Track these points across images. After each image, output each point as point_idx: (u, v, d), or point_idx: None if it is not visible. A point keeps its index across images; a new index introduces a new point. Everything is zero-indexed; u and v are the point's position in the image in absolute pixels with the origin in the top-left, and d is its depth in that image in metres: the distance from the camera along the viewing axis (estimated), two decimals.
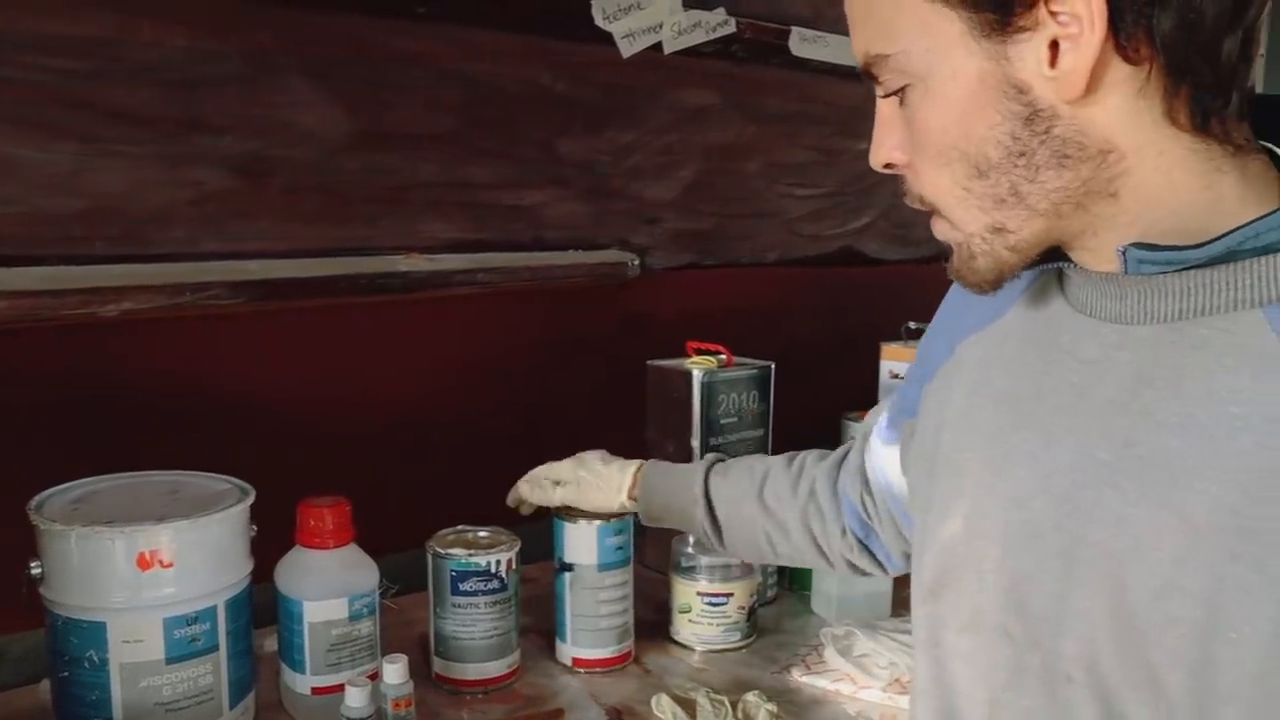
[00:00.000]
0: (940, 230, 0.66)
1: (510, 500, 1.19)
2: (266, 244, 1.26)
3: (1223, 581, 0.54)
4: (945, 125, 0.61)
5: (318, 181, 1.30)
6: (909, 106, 0.62)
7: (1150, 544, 0.57)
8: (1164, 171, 0.59)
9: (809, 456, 1.08)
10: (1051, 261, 0.65)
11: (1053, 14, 0.56)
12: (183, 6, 1.16)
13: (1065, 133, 0.58)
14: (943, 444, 0.75)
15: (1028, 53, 0.57)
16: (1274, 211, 0.56)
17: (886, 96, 0.64)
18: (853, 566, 1.02)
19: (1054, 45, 0.56)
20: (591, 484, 1.13)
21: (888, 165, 0.66)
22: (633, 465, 1.13)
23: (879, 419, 0.95)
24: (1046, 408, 0.66)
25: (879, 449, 0.94)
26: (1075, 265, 0.65)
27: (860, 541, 1.00)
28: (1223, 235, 0.56)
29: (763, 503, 1.04)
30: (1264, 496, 0.53)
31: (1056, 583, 0.62)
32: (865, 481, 0.97)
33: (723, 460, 1.11)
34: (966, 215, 0.63)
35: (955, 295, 0.84)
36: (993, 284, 0.65)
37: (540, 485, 1.15)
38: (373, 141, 1.34)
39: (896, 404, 0.91)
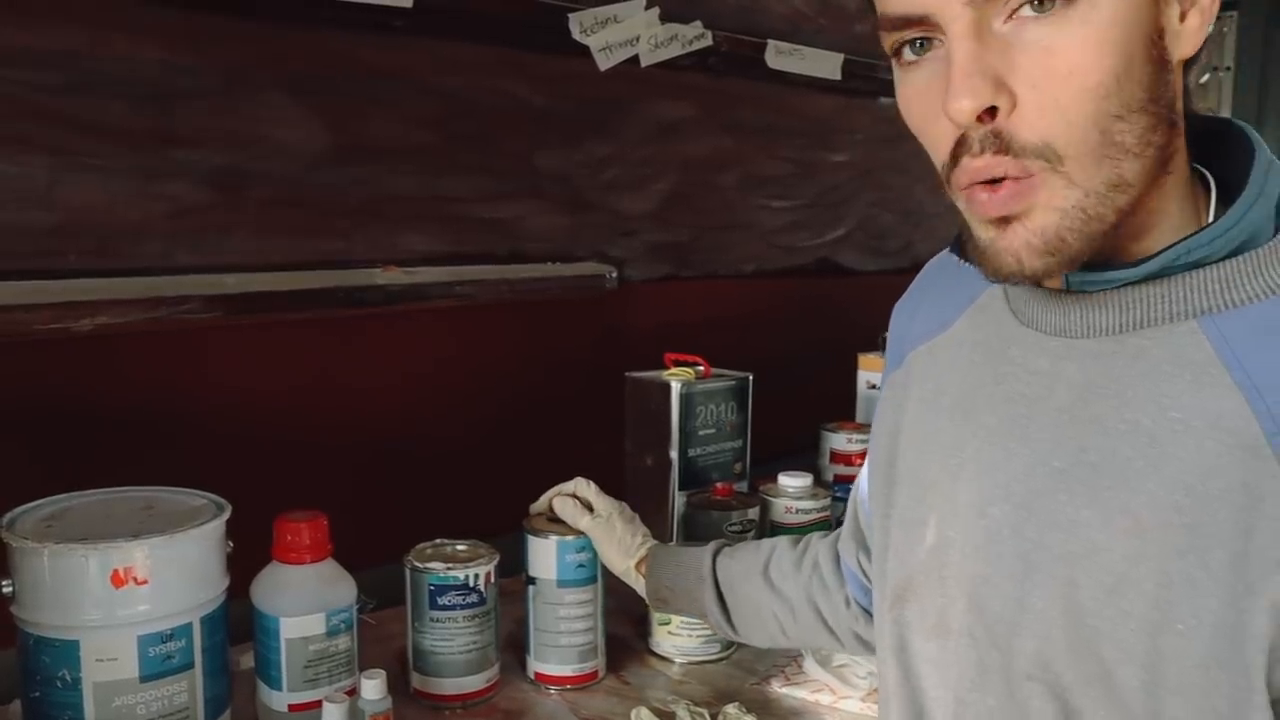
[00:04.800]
0: (1036, 197, 0.58)
1: (535, 507, 1.18)
2: (243, 257, 1.26)
3: (1170, 577, 0.57)
4: (1102, 52, 0.55)
5: (294, 195, 1.30)
6: (1060, 28, 0.55)
7: (1103, 545, 0.60)
8: (1179, 170, 0.62)
9: (814, 535, 1.06)
10: None
11: None
12: (157, 20, 1.16)
13: (1174, 91, 0.59)
14: (900, 453, 0.77)
15: (1171, 1, 0.58)
16: (1204, 229, 0.59)
17: (1044, 11, 0.55)
18: (860, 641, 1.00)
19: (1186, 1, 0.58)
20: (614, 535, 1.12)
21: (985, 114, 0.57)
22: (645, 542, 1.13)
23: (862, 473, 0.96)
24: (1000, 419, 0.68)
25: (867, 504, 0.94)
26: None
27: (865, 611, 0.98)
28: (1159, 253, 0.59)
29: (768, 579, 1.04)
30: (1205, 495, 0.56)
31: (1014, 586, 0.64)
32: (862, 543, 0.95)
33: (729, 544, 1.10)
34: (1097, 164, 0.57)
35: (904, 305, 0.86)
36: (1066, 265, 0.59)
37: (572, 505, 1.14)
38: (350, 155, 1.34)
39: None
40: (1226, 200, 0.62)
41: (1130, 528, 0.59)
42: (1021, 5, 0.55)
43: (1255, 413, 0.56)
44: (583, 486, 1.15)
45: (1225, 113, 5.79)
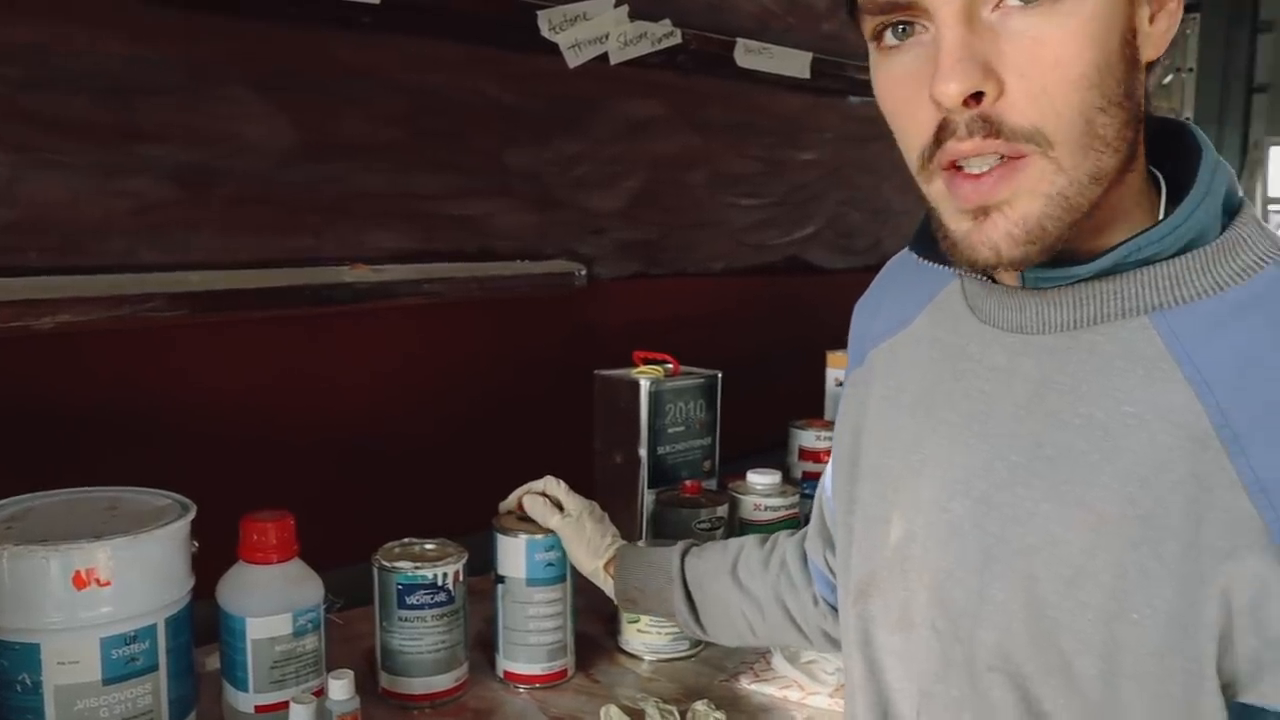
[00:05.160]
0: (1017, 183, 0.58)
1: (504, 505, 1.18)
2: (209, 255, 1.24)
3: (1125, 568, 0.58)
4: (1087, 45, 0.57)
5: (261, 192, 1.28)
6: (1048, 19, 0.56)
7: (1061, 537, 0.61)
8: (1139, 169, 0.63)
9: (781, 534, 1.07)
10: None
11: None
12: (120, 15, 1.15)
13: (1142, 90, 0.61)
14: (862, 447, 0.78)
15: (1142, 3, 0.59)
16: (1154, 226, 0.61)
17: (1029, 2, 0.56)
18: (828, 638, 1.01)
19: (1156, 5, 0.60)
20: (584, 534, 1.12)
21: (971, 99, 0.57)
22: (614, 543, 1.13)
23: (827, 471, 0.96)
24: (960, 414, 0.69)
25: (832, 502, 0.95)
26: (980, 276, 0.68)
27: (832, 608, 0.98)
28: (1111, 249, 0.61)
29: (736, 578, 1.04)
30: (1158, 486, 0.58)
31: (975, 579, 0.65)
32: (828, 540, 0.96)
33: (698, 544, 1.10)
34: (1081, 154, 0.58)
35: (865, 304, 0.87)
36: (1043, 254, 0.60)
37: (542, 504, 1.14)
38: (317, 152, 1.33)
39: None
40: (1176, 200, 0.63)
41: (1087, 520, 0.60)
42: None
43: (1205, 406, 0.57)
44: (552, 485, 1.15)
45: (1188, 113, 5.87)
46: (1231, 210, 0.63)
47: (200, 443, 1.25)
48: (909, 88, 0.60)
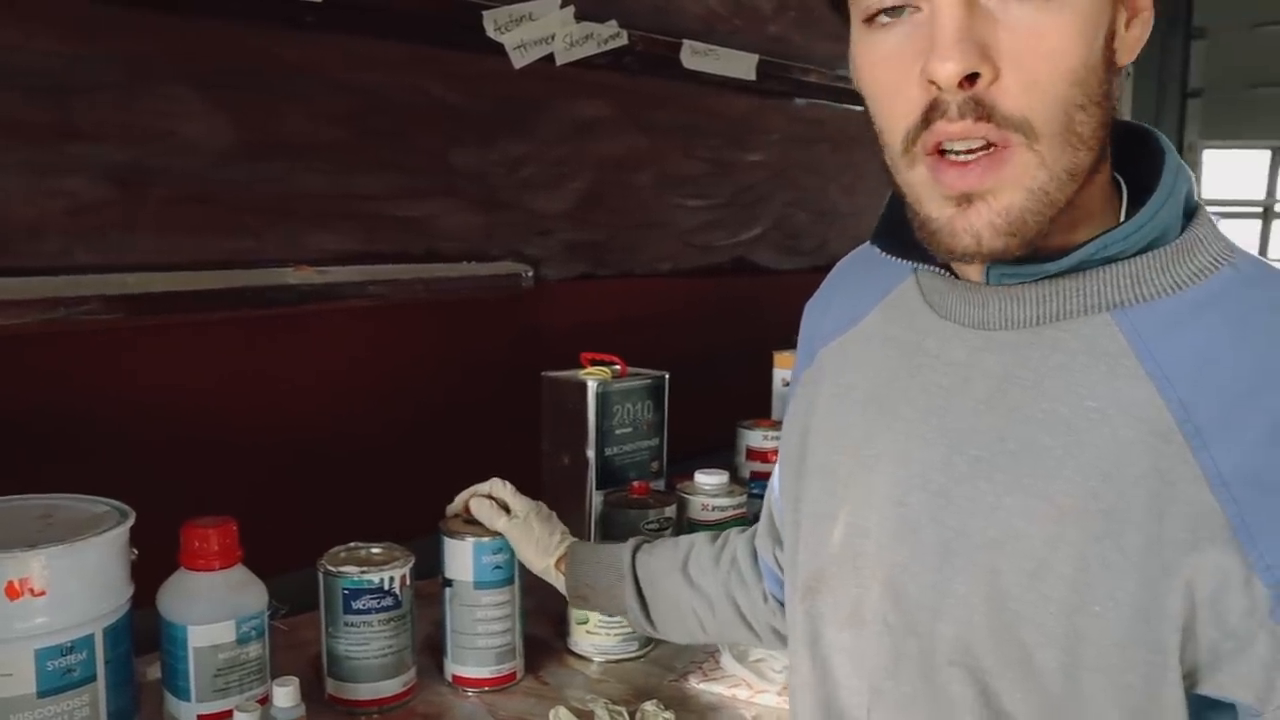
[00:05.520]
0: (1003, 174, 0.59)
1: (451, 509, 1.17)
2: (146, 256, 1.22)
3: (1087, 561, 0.59)
4: (1079, 41, 0.58)
5: (201, 192, 1.26)
6: (1045, 11, 0.57)
7: (1023, 530, 0.62)
8: (1105, 170, 0.65)
9: (732, 532, 1.07)
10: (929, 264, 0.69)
11: None
12: (55, 9, 1.12)
13: (1114, 93, 0.62)
14: (810, 445, 0.78)
15: (1120, 6, 0.61)
16: (1120, 225, 0.62)
17: None
18: (778, 635, 1.01)
19: (1132, 11, 0.62)
20: (532, 535, 1.11)
21: (965, 80, 0.57)
22: (564, 540, 1.12)
23: (776, 470, 0.97)
24: (916, 409, 0.69)
25: (780, 501, 0.95)
26: (942, 272, 0.69)
27: (782, 605, 0.97)
28: (1076, 247, 0.62)
29: (687, 575, 1.04)
30: (1120, 480, 0.59)
31: (934, 573, 0.65)
32: (777, 539, 0.96)
33: (649, 541, 1.10)
34: (1062, 149, 0.59)
35: (815, 303, 0.88)
36: (1022, 247, 0.61)
37: (488, 506, 1.13)
38: (259, 151, 1.31)
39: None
40: (1136, 202, 0.64)
41: (1050, 514, 0.61)
42: None
43: (1166, 401, 0.59)
44: (498, 487, 1.15)
45: (1125, 115, 5.98)
46: (1189, 212, 0.65)
47: (139, 448, 1.22)
48: (897, 66, 0.60)
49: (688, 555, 1.05)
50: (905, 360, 0.71)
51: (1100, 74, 0.60)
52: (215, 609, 0.99)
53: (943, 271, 0.69)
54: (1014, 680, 0.62)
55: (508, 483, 1.15)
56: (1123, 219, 0.65)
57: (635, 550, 1.07)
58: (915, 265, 0.72)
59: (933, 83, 0.58)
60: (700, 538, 1.08)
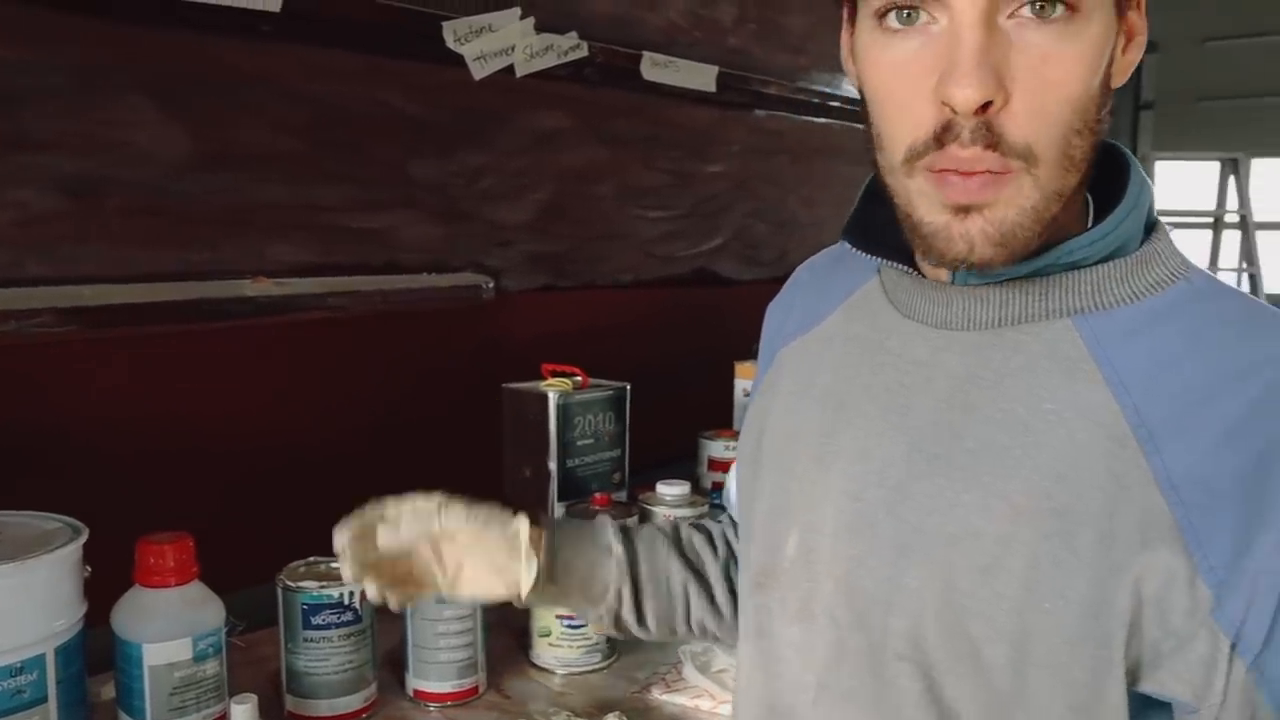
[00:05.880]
0: (1002, 192, 0.60)
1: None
2: (101, 268, 1.20)
3: (1039, 558, 0.60)
4: (1087, 69, 0.59)
5: (156, 203, 1.25)
6: (1059, 38, 0.58)
7: (978, 527, 0.63)
8: (1082, 187, 0.65)
9: (708, 520, 1.02)
10: (898, 262, 0.70)
11: (1138, 7, 0.63)
12: (2, 17, 1.10)
13: (1106, 116, 0.62)
14: (767, 442, 0.79)
15: (1120, 33, 0.62)
16: (1085, 232, 0.64)
17: (1045, 18, 0.57)
18: None
19: (1129, 35, 0.63)
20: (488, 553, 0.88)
21: (984, 105, 0.57)
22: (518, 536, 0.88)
23: (729, 477, 0.97)
24: (877, 406, 0.70)
25: (734, 505, 0.94)
26: (909, 270, 0.70)
27: None
28: (1041, 252, 0.63)
29: (683, 554, 0.94)
30: (1074, 481, 0.60)
31: (889, 567, 0.66)
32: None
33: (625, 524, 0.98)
34: (1056, 173, 0.60)
35: (776, 306, 0.88)
36: (1008, 259, 0.61)
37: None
38: (216, 162, 1.29)
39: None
40: (1099, 214, 0.66)
41: (1005, 512, 0.62)
42: (1023, 6, 0.57)
43: (1121, 406, 0.60)
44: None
45: None
46: (1149, 227, 0.66)
47: (93, 463, 1.21)
48: (910, 78, 0.60)
49: (677, 536, 0.97)
50: (867, 358, 0.72)
51: (1099, 99, 0.61)
52: (171, 626, 0.98)
53: (910, 270, 0.70)
54: (961, 675, 0.63)
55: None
56: (1089, 228, 0.66)
57: (618, 525, 0.95)
58: (880, 265, 0.73)
59: (947, 105, 0.58)
60: (682, 524, 1.00)
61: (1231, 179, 5.80)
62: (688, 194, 2.01)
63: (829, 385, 0.74)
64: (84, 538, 0.94)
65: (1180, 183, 6.39)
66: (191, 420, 1.31)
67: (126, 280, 1.22)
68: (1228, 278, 6.12)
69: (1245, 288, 5.82)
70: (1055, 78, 0.58)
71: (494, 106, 1.61)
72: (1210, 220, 6.02)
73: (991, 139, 0.58)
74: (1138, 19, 0.63)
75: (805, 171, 2.26)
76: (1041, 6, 0.57)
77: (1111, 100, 0.63)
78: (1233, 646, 0.56)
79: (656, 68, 1.82)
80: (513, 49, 1.56)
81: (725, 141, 2.09)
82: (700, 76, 1.93)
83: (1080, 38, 0.58)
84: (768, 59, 2.12)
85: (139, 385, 1.27)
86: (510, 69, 1.56)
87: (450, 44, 1.48)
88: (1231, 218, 5.89)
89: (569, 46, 1.64)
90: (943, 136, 0.59)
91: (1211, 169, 5.97)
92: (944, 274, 0.68)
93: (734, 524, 1.00)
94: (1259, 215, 5.90)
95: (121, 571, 1.00)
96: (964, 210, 0.60)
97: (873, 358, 0.72)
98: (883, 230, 0.70)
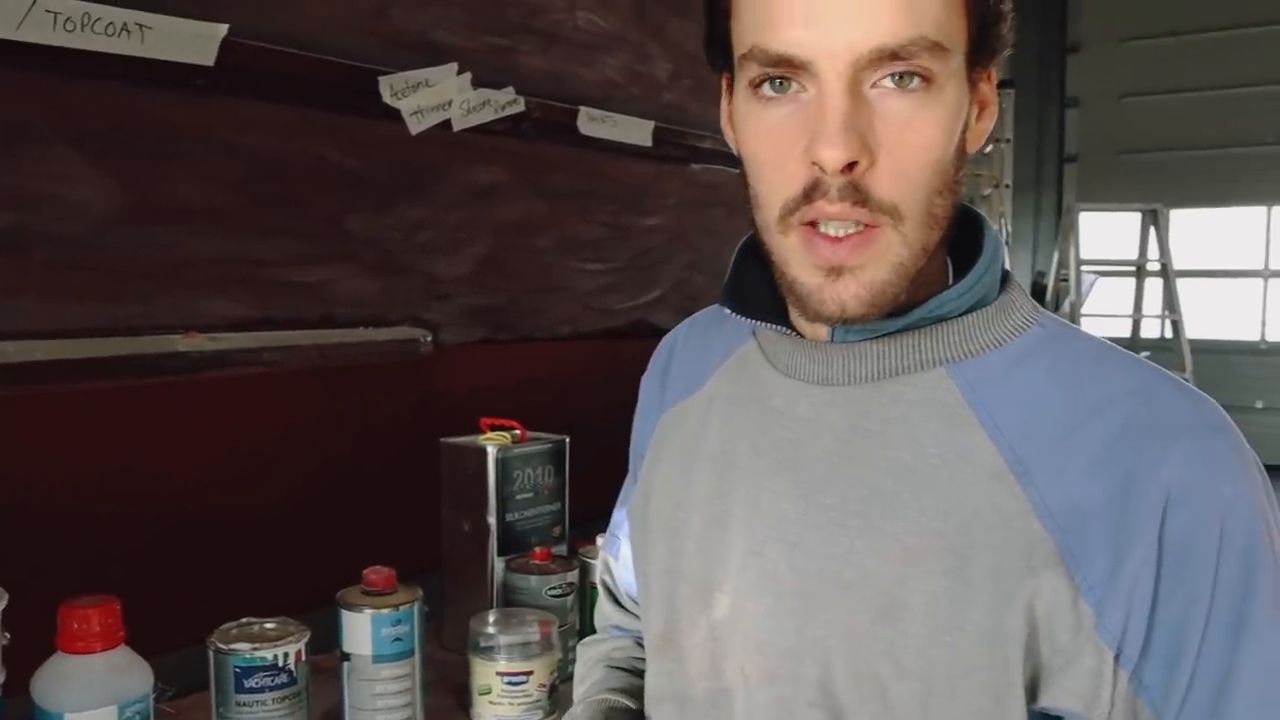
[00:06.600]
0: (870, 251, 0.63)
1: None
2: (28, 323, 1.18)
3: (936, 594, 0.64)
4: (945, 135, 0.63)
5: (86, 257, 1.23)
6: (919, 106, 0.62)
7: (875, 571, 0.65)
8: (943, 244, 0.69)
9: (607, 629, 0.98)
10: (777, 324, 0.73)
11: (989, 80, 0.68)
12: None
13: (962, 178, 0.67)
14: (654, 507, 0.80)
15: (973, 101, 0.67)
16: (949, 288, 0.68)
17: (904, 88, 0.62)
18: None
19: (981, 105, 0.68)
20: None
21: (848, 166, 0.61)
22: None
23: (609, 545, 0.97)
24: (767, 463, 0.72)
25: (624, 576, 0.94)
26: (787, 331, 0.73)
27: None
28: (913, 308, 0.67)
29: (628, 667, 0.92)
30: (960, 518, 0.64)
31: (795, 618, 0.68)
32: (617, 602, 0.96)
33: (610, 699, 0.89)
34: (921, 230, 0.64)
35: (650, 378, 0.90)
36: (879, 314, 0.65)
37: None
38: (148, 216, 1.28)
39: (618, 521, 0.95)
40: (959, 269, 0.71)
41: (899, 553, 0.65)
42: (885, 77, 0.62)
43: (997, 445, 0.65)
44: None
45: (1008, 180, 6.23)
46: (1003, 280, 0.72)
47: (15, 523, 1.17)
48: (783, 141, 0.64)
49: (624, 662, 0.93)
50: (751, 418, 0.75)
51: (956, 162, 0.65)
52: (96, 694, 0.95)
53: (787, 331, 0.73)
54: (872, 715, 0.65)
55: None
56: (950, 284, 0.70)
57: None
58: (755, 328, 0.76)
59: (816, 164, 0.62)
60: (612, 644, 0.96)
61: (1152, 229, 5.99)
62: (625, 246, 2.03)
63: (716, 447, 0.76)
64: (4, 603, 0.91)
65: (1104, 233, 6.58)
66: (119, 478, 1.28)
67: (53, 336, 1.20)
68: (1152, 325, 6.31)
69: (1169, 334, 5.99)
70: (916, 142, 0.63)
71: (431, 160, 1.61)
72: (1133, 269, 6.20)
73: (858, 197, 0.62)
74: (989, 90, 0.69)
75: (741, 224, 2.26)
76: (901, 77, 0.62)
77: (967, 163, 0.68)
78: (1115, 658, 0.61)
79: (593, 122, 1.84)
80: (449, 104, 1.56)
81: (662, 195, 2.12)
82: (637, 131, 1.96)
83: (937, 105, 0.63)
84: (703, 114, 2.15)
85: (66, 443, 1.24)
86: (447, 123, 1.57)
87: (387, 98, 1.48)
88: (1153, 266, 6.07)
89: (506, 101, 1.65)
90: (812, 194, 0.63)
91: (1133, 219, 6.16)
92: (822, 333, 0.70)
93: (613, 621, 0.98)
94: (1179, 264, 6.09)
95: (43, 637, 0.97)
96: (836, 273, 0.64)
97: (758, 417, 0.74)
98: (758, 291, 0.73)
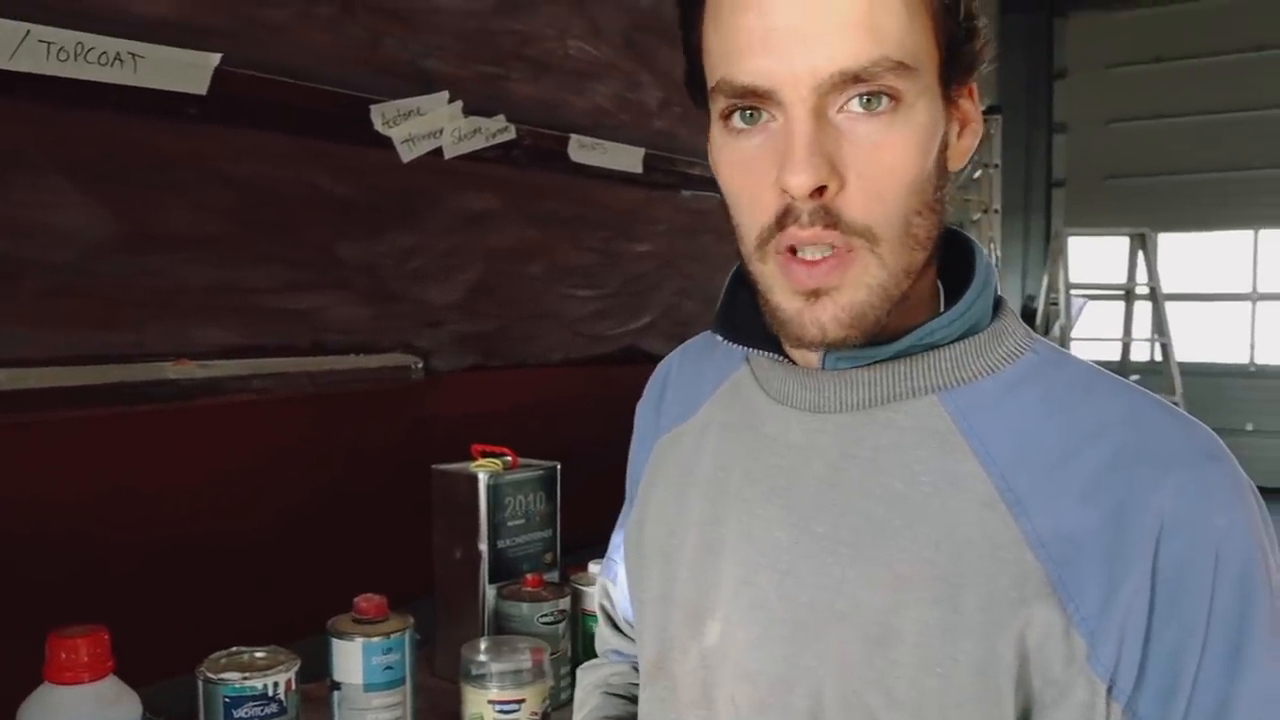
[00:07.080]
0: (847, 274, 0.63)
1: None
2: (19, 351, 1.18)
3: (928, 624, 0.63)
4: (918, 154, 0.63)
5: (77, 285, 1.23)
6: (888, 128, 0.62)
7: (867, 600, 0.65)
8: (933, 266, 0.69)
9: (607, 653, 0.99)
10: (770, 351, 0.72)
11: (970, 97, 0.68)
12: None
13: (946, 198, 0.67)
14: (649, 533, 0.80)
15: (952, 118, 0.67)
16: (940, 315, 0.68)
17: (871, 110, 0.62)
18: None
19: (962, 123, 0.68)
20: None
21: (816, 191, 0.61)
22: None
23: (607, 570, 0.96)
24: (759, 490, 0.72)
25: (622, 604, 0.94)
26: (779, 359, 0.72)
27: None
28: (903, 335, 0.67)
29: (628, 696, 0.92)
30: (952, 547, 0.63)
31: (785, 646, 0.67)
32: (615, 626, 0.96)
33: None
34: (900, 251, 0.64)
35: (646, 404, 0.91)
36: (860, 338, 0.65)
37: None
38: (139, 244, 1.28)
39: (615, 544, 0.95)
40: (951, 295, 0.71)
41: (891, 582, 0.64)
42: (851, 100, 0.62)
43: (989, 474, 0.64)
44: None
45: (996, 205, 6.27)
46: (995, 305, 0.71)
47: (3, 552, 1.16)
48: (755, 170, 0.64)
49: (621, 688, 0.94)
50: (744, 445, 0.75)
51: (935, 181, 0.65)
52: None
53: (779, 358, 0.73)
54: None
55: None
56: (942, 310, 0.70)
57: None
58: (748, 354, 0.76)
59: (786, 191, 0.62)
60: (607, 673, 0.97)
61: (1140, 253, 6.02)
62: (616, 273, 2.04)
63: (710, 474, 0.76)
64: None
65: (1093, 257, 6.62)
66: (109, 506, 1.28)
67: (45, 363, 1.20)
68: (1141, 348, 6.34)
69: (1158, 357, 6.01)
70: (888, 162, 0.62)
71: (423, 188, 1.62)
72: (1122, 293, 6.23)
73: (830, 220, 0.62)
74: (970, 107, 0.68)
75: (731, 249, 2.29)
76: (868, 100, 0.62)
77: (951, 183, 0.68)
78: (1108, 690, 0.60)
79: (584, 149, 1.85)
80: (441, 131, 1.57)
81: (652, 221, 2.13)
82: (627, 158, 1.97)
83: (907, 125, 0.62)
84: (693, 140, 2.16)
85: (57, 470, 1.23)
86: (439, 151, 1.58)
87: (379, 126, 1.49)
88: (1142, 289, 6.10)
89: (497, 129, 1.66)
90: (784, 220, 0.63)
91: (1121, 244, 6.19)
92: (814, 360, 0.70)
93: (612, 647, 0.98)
94: (1167, 287, 6.13)
95: (31, 668, 0.96)
96: (814, 296, 0.64)
97: (750, 444, 0.74)
98: (749, 318, 0.73)
